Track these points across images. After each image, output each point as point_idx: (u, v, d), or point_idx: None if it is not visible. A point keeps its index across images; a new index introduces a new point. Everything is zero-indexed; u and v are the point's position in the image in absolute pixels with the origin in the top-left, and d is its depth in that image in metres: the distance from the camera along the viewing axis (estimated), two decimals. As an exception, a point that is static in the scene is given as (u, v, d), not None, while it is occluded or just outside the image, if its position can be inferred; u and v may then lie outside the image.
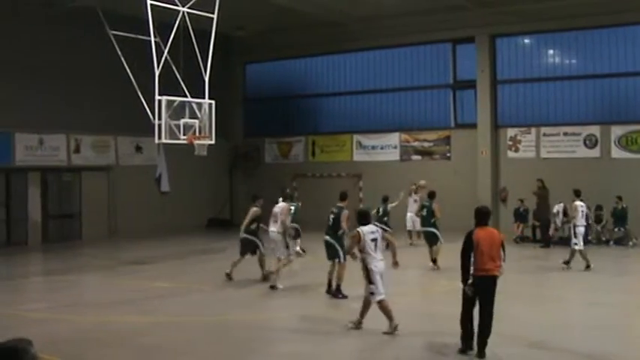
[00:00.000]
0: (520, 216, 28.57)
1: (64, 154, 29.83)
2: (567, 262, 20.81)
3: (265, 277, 18.40)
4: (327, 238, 16.88)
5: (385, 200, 24.16)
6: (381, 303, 13.01)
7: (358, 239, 13.14)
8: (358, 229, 13.26)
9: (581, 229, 20.87)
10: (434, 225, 21.27)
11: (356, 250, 13.37)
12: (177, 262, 22.80)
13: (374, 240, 13.18)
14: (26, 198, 28.90)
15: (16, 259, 24.67)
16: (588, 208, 26.67)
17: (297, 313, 15.46)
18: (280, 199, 19.88)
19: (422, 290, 18.94)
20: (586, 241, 22.65)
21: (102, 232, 30.58)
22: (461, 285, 11.74)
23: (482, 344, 11.50)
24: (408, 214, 26.69)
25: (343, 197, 17.43)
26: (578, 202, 21.13)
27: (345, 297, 16.36)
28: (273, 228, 18.37)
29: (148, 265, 23.13)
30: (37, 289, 20.19)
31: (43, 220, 29.32)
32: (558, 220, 26.48)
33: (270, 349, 12.38)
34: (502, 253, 11.74)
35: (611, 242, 26.77)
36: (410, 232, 26.78)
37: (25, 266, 23.74)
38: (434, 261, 21.05)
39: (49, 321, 14.51)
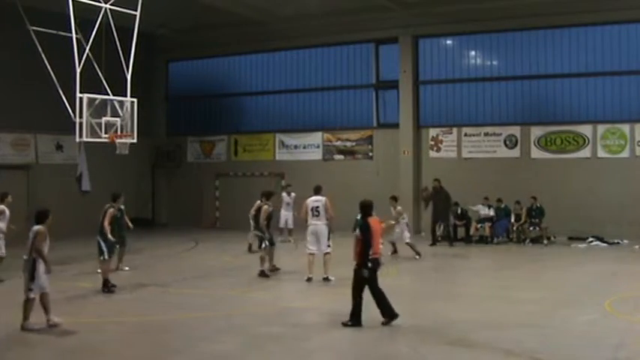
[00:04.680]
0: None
1: (-18, 152, 29.13)
2: (418, 253, 23.42)
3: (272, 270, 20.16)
4: (98, 237, 18.96)
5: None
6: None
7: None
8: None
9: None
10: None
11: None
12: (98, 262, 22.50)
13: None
14: (-59, 197, 28.15)
15: None
16: (506, 207, 27.54)
17: (222, 312, 15.43)
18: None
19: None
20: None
21: (20, 231, 29.87)
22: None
23: (389, 306, 13.42)
24: (282, 212, 27.93)
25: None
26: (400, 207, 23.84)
27: (114, 286, 17.75)
28: None
29: (69, 265, 22.75)
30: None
31: (-42, 220, 28.57)
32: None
33: (192, 349, 12.31)
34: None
35: (528, 241, 27.32)
36: (282, 229, 28.03)
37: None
38: None
39: (-34, 323, 14.21)
